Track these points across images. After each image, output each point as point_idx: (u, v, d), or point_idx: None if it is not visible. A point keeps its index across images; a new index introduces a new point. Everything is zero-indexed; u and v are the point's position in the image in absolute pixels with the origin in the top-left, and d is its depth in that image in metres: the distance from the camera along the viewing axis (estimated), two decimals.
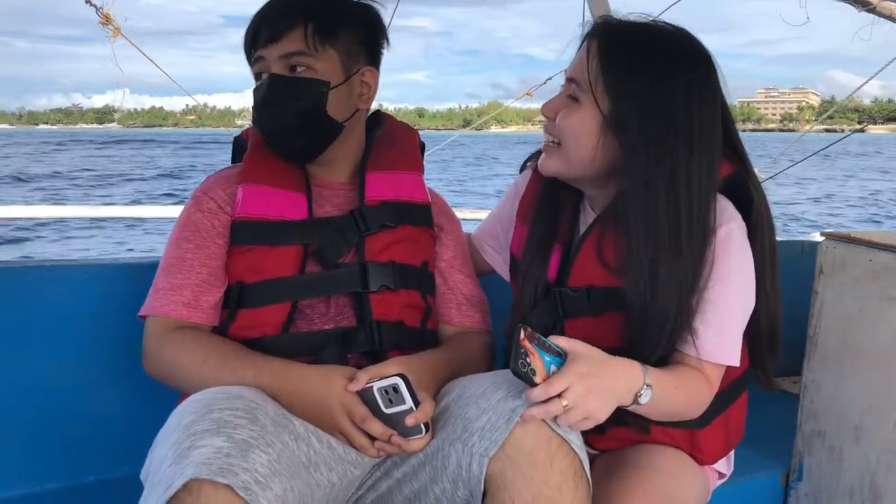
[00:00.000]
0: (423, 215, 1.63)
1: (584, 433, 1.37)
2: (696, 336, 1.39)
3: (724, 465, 1.65)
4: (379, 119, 1.73)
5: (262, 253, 1.50)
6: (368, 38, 1.58)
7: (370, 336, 1.50)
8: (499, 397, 1.27)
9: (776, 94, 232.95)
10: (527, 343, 1.20)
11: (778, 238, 1.52)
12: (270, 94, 1.49)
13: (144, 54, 3.59)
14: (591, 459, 1.56)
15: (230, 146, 1.71)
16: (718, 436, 1.56)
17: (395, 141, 1.68)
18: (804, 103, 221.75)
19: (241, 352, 1.43)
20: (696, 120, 1.37)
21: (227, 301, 1.51)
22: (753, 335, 1.50)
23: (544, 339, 1.24)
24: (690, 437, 1.53)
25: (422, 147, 1.73)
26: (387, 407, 1.29)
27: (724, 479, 1.67)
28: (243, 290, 1.50)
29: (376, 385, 1.30)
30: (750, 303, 1.45)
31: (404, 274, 1.56)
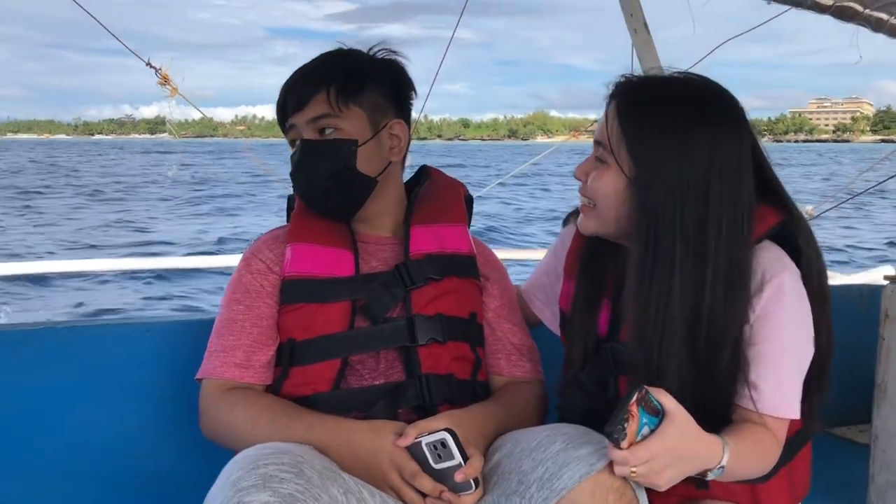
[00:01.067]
0: (468, 267, 1.64)
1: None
2: (755, 390, 1.36)
3: None
4: (425, 173, 1.76)
5: (311, 310, 1.53)
6: (395, 93, 1.62)
7: (419, 390, 1.51)
8: (557, 448, 1.26)
9: (829, 104, 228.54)
10: (634, 407, 1.18)
11: (837, 280, 1.48)
12: (303, 159, 1.55)
13: (199, 109, 3.73)
14: None
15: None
16: (783, 490, 1.51)
17: (439, 194, 1.70)
18: (858, 113, 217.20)
19: (292, 410, 1.45)
20: (715, 171, 1.35)
21: (279, 359, 1.54)
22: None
23: (651, 397, 1.22)
24: (751, 492, 1.48)
25: (469, 200, 1.74)
26: (436, 462, 1.29)
27: None
28: (295, 347, 1.52)
29: (424, 440, 1.30)
30: (808, 352, 1.41)
31: (452, 326, 1.56)
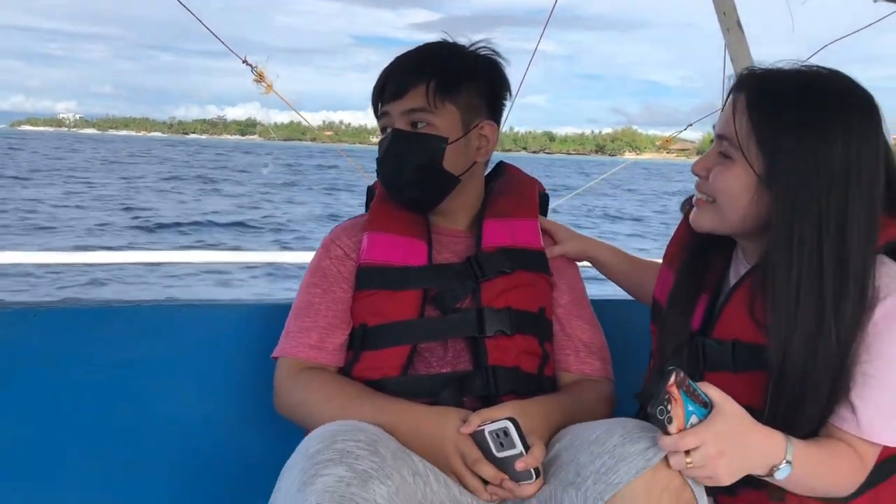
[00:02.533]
0: (539, 261, 1.65)
1: (713, 491, 1.32)
2: (853, 411, 1.30)
3: None
4: (500, 169, 1.78)
5: (384, 297, 1.57)
6: (491, 93, 1.64)
7: (485, 381, 1.53)
8: (614, 442, 1.25)
9: None
10: (674, 389, 1.17)
11: None
12: (392, 149, 1.58)
13: (291, 106, 3.80)
14: None
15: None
16: None
17: (514, 190, 1.72)
18: None
19: (363, 391, 1.50)
20: (854, 168, 1.28)
21: (351, 343, 1.59)
22: None
23: (694, 385, 1.20)
24: None
25: (544, 198, 1.75)
26: (498, 451, 1.31)
27: None
28: (366, 332, 1.57)
29: (488, 428, 1.32)
30: None
31: (520, 319, 1.57)
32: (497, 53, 1.66)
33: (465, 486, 1.37)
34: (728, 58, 2.93)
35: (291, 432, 1.48)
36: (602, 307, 1.78)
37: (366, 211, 1.73)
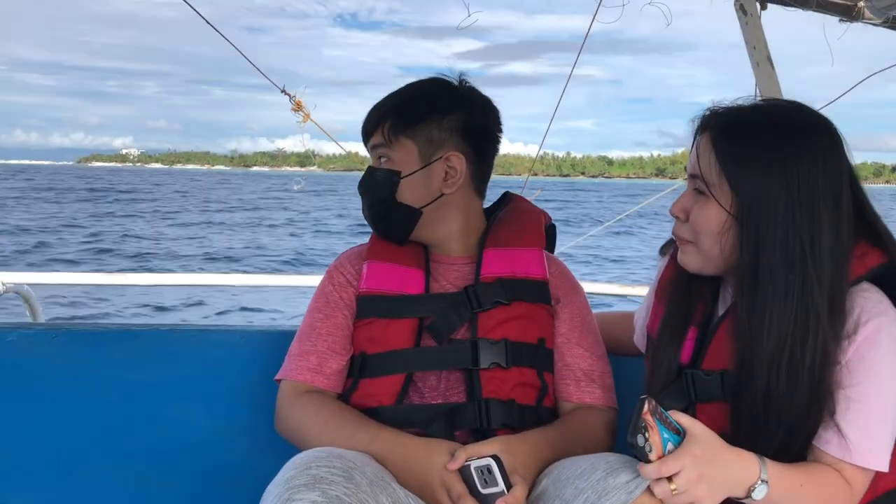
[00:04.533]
0: (539, 292, 1.64)
1: None
2: (839, 435, 1.30)
3: None
4: (506, 199, 1.79)
5: (381, 325, 1.59)
6: (463, 126, 1.64)
7: (478, 414, 1.53)
8: (597, 477, 1.25)
9: None
10: (648, 417, 1.19)
11: None
12: (361, 185, 1.66)
13: (331, 136, 3.90)
14: None
15: None
16: None
17: (516, 219, 1.72)
18: None
19: (358, 419, 1.51)
20: (820, 195, 1.32)
21: (351, 370, 1.61)
22: None
23: (666, 414, 1.23)
24: None
25: (551, 228, 1.75)
26: (482, 487, 1.32)
27: None
28: (365, 360, 1.59)
29: (473, 464, 1.32)
30: None
31: (517, 351, 1.57)
32: (474, 88, 1.68)
33: None
34: (758, 92, 2.92)
35: (293, 455, 1.48)
36: None
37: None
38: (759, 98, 1.44)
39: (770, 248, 1.32)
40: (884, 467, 1.32)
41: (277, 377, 1.64)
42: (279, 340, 1.82)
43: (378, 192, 1.63)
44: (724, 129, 1.38)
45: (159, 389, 1.85)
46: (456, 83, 1.68)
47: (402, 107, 1.64)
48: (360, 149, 1.72)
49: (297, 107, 3.51)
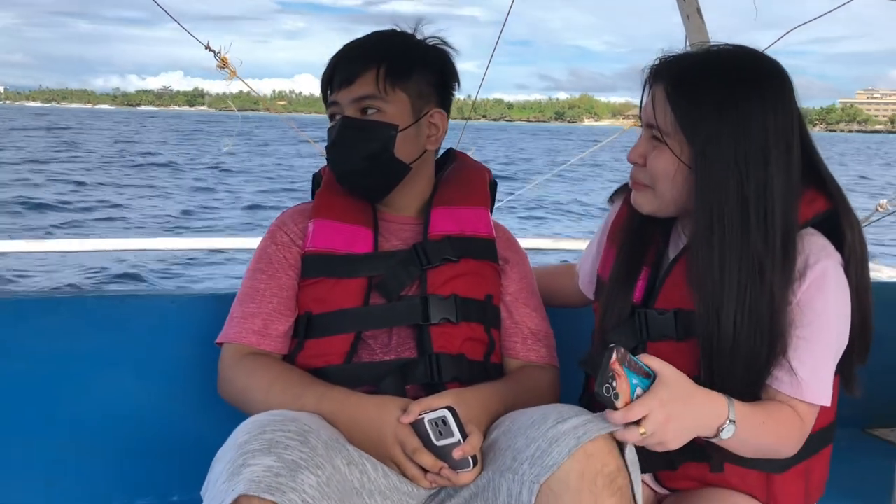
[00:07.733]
0: (487, 249, 1.64)
1: (654, 466, 1.38)
2: (789, 373, 1.36)
3: None
4: (451, 156, 1.77)
5: (328, 285, 1.56)
6: (441, 82, 1.63)
7: (429, 368, 1.53)
8: (548, 426, 1.26)
9: (878, 95, 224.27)
10: (616, 365, 1.19)
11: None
12: (342, 137, 1.56)
13: (253, 90, 3.75)
14: (659, 500, 1.54)
15: None
16: (797, 487, 1.50)
17: (463, 178, 1.71)
18: None
19: (306, 379, 1.49)
20: (772, 139, 1.35)
21: (296, 331, 1.58)
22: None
23: (635, 359, 1.23)
24: (767, 483, 1.47)
25: (493, 185, 1.75)
26: (437, 439, 1.32)
27: None
28: (311, 320, 1.56)
29: (427, 417, 1.32)
30: (843, 342, 1.41)
31: (466, 307, 1.57)
32: (447, 44, 1.66)
33: (405, 475, 1.37)
34: (688, 46, 2.95)
35: (237, 420, 1.45)
36: None
37: (311, 198, 1.71)
38: (709, 45, 1.45)
39: (724, 193, 1.35)
40: (828, 402, 1.40)
41: (219, 340, 1.59)
42: (210, 304, 1.80)
43: (376, 144, 1.55)
44: (676, 79, 1.40)
45: (86, 360, 1.79)
46: (420, 37, 1.64)
47: (394, 56, 1.57)
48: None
49: (223, 63, 3.37)
